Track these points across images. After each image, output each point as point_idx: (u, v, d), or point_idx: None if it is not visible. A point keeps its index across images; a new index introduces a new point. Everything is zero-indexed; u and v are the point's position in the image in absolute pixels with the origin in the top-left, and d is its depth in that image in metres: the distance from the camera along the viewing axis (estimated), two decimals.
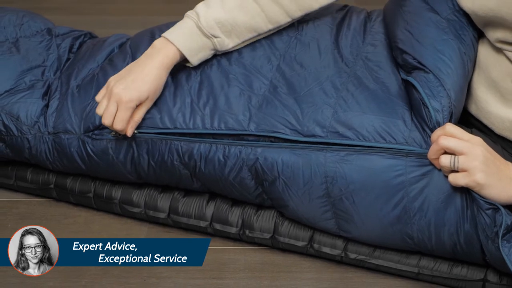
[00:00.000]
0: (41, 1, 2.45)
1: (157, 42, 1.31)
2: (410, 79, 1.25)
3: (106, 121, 1.28)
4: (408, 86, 1.26)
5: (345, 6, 1.49)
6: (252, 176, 1.29)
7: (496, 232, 1.12)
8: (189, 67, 1.36)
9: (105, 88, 1.30)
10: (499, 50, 1.25)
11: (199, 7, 1.33)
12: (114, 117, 1.28)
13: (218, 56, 1.37)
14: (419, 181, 1.19)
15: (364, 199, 1.22)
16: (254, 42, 1.39)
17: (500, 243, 1.11)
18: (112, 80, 1.30)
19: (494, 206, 1.12)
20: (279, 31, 1.40)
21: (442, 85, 1.21)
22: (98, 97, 1.31)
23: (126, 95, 1.26)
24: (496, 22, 1.22)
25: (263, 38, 1.40)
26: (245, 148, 1.28)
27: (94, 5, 2.43)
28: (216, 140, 1.29)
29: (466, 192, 1.16)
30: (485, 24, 1.26)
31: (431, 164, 1.18)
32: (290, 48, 1.38)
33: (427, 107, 1.20)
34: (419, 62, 1.25)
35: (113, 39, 1.54)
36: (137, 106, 1.29)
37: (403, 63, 1.28)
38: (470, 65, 1.28)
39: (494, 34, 1.25)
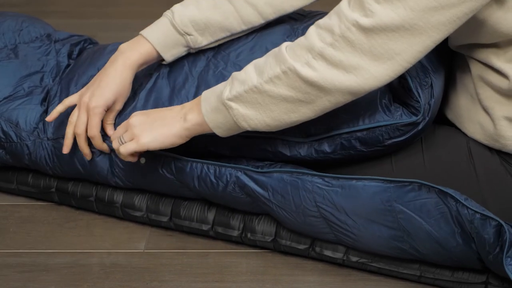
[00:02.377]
0: (44, 5, 2.46)
1: (122, 46, 1.35)
2: None
3: (78, 130, 1.32)
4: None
5: None
6: (246, 195, 1.30)
7: (500, 246, 1.14)
8: (186, 71, 1.37)
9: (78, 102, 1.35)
10: (462, 55, 1.26)
11: (175, 6, 1.36)
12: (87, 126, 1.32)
13: (216, 59, 1.37)
14: (404, 206, 1.19)
15: (356, 223, 1.23)
16: (253, 44, 1.38)
17: (504, 261, 1.12)
18: (82, 91, 1.34)
19: (497, 222, 1.14)
20: (277, 32, 1.39)
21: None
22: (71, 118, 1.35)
23: (92, 102, 1.31)
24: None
25: (262, 39, 1.39)
26: (235, 172, 1.29)
27: (96, 9, 2.44)
28: (207, 161, 1.31)
29: (454, 213, 1.17)
30: None
31: (418, 189, 1.18)
32: None
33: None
34: None
35: (113, 46, 1.54)
36: (108, 110, 1.33)
37: None
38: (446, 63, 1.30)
39: (451, 42, 1.26)
